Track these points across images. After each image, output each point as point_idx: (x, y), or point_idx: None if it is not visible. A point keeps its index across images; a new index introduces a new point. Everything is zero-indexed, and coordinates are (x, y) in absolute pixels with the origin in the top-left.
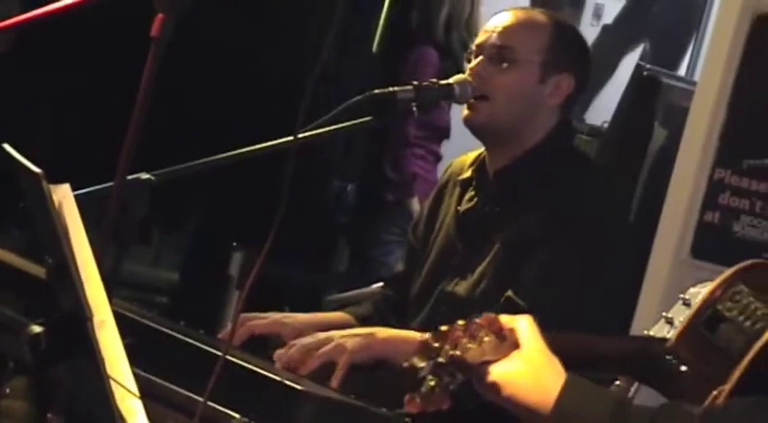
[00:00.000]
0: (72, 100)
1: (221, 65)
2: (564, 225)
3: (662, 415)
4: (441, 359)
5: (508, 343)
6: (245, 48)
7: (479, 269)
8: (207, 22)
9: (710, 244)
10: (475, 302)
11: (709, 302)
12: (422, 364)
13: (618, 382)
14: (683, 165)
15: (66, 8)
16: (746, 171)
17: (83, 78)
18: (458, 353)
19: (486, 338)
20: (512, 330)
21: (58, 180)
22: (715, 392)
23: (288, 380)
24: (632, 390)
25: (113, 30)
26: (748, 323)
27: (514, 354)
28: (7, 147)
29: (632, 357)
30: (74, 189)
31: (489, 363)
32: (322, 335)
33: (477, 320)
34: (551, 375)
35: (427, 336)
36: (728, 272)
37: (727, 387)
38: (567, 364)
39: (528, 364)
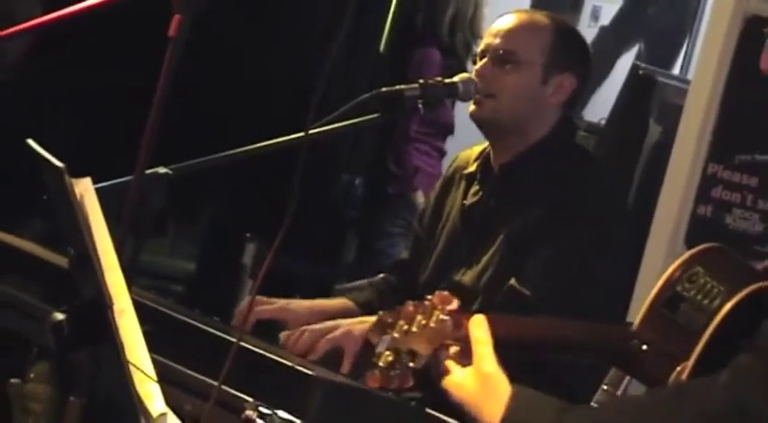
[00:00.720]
0: (92, 98)
1: (234, 63)
2: (567, 219)
3: (593, 416)
4: (395, 334)
5: (459, 332)
6: (255, 47)
7: (484, 259)
8: (219, 20)
9: (704, 236)
10: (480, 291)
11: (669, 284)
12: (377, 340)
13: (605, 387)
14: (678, 160)
15: (86, 9)
16: (738, 166)
17: (102, 78)
18: (415, 329)
19: (441, 317)
20: (466, 327)
21: (79, 174)
22: (679, 368)
23: (299, 365)
24: (622, 386)
25: (131, 29)
26: (706, 301)
27: (468, 370)
28: (31, 142)
29: (599, 341)
30: (94, 183)
31: (442, 354)
32: (330, 323)
33: (430, 298)
34: (497, 399)
35: (381, 312)
36: (685, 256)
37: (690, 363)
38: (536, 348)
39: (479, 385)
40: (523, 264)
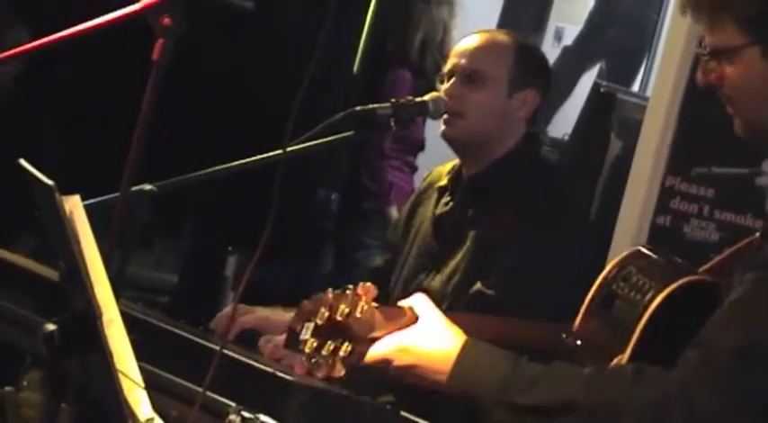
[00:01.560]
0: (79, 118)
1: (214, 82)
2: (531, 225)
3: (547, 369)
4: (318, 321)
5: (404, 320)
6: (235, 67)
7: (452, 264)
8: (197, 42)
9: (663, 245)
10: (448, 295)
11: (605, 284)
12: (299, 327)
13: None
14: (637, 173)
15: (73, 35)
16: (695, 178)
17: (89, 101)
18: (339, 318)
19: (365, 307)
20: (409, 308)
21: (69, 191)
22: (615, 361)
23: (280, 371)
24: None
25: (117, 52)
26: (638, 296)
27: (415, 326)
28: (23, 161)
29: (542, 339)
30: (83, 199)
31: (371, 344)
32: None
33: (352, 287)
34: (453, 339)
35: (304, 301)
36: (619, 258)
37: (626, 355)
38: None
39: (430, 333)
40: (489, 267)
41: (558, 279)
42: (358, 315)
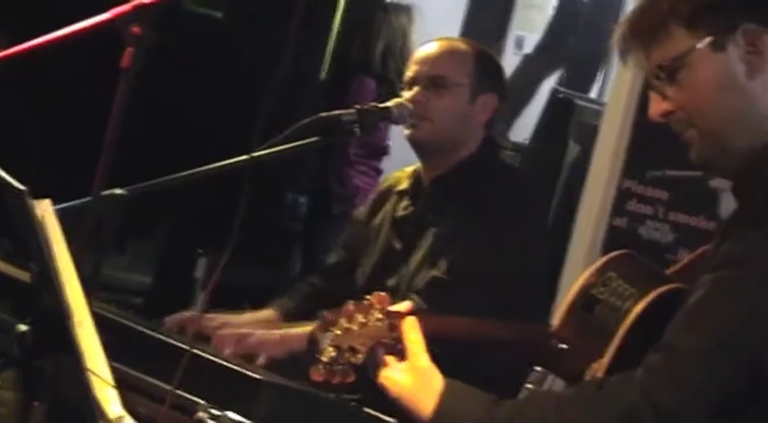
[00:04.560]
0: (53, 125)
1: (185, 89)
2: (486, 218)
3: (521, 408)
4: (337, 331)
5: (394, 334)
6: (204, 76)
7: (415, 262)
8: (166, 49)
9: (619, 245)
10: (411, 292)
11: (585, 288)
12: (321, 336)
13: (528, 387)
14: (595, 176)
15: (45, 44)
16: (650, 181)
17: (61, 108)
18: (355, 327)
19: (378, 316)
20: (400, 326)
21: (40, 196)
22: (595, 365)
23: (248, 370)
24: (545, 386)
25: (88, 60)
26: (619, 303)
27: (403, 366)
28: None
29: (522, 340)
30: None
31: (379, 351)
32: (244, 330)
33: (369, 298)
34: (431, 391)
35: (325, 311)
36: (599, 262)
37: (605, 360)
38: (463, 343)
39: (413, 380)
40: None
41: (508, 271)
42: (370, 324)
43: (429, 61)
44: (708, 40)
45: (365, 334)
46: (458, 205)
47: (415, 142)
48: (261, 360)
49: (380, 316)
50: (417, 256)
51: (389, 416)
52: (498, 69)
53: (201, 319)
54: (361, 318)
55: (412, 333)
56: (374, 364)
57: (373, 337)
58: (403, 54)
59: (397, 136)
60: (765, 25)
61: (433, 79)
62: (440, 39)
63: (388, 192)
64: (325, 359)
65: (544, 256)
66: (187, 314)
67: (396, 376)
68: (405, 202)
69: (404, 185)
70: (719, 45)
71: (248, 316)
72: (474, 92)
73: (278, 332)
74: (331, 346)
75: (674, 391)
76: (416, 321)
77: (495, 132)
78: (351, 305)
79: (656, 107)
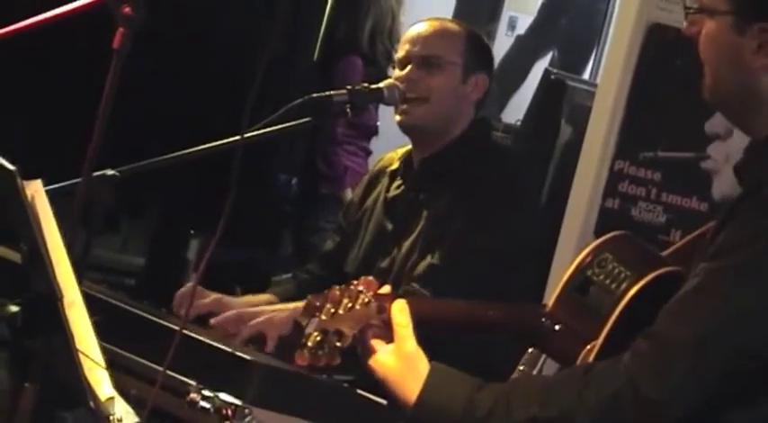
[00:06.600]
0: (43, 105)
1: (174, 68)
2: (478, 201)
3: (505, 392)
4: (323, 317)
5: (382, 316)
6: (196, 56)
7: (408, 243)
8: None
9: (612, 227)
10: (404, 275)
11: (580, 269)
12: (306, 322)
13: (521, 368)
14: (587, 157)
15: (37, 24)
16: (642, 162)
17: (51, 88)
18: (341, 312)
19: (365, 300)
20: (389, 309)
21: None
22: (588, 347)
23: (238, 351)
24: (537, 367)
25: (80, 39)
26: (614, 285)
27: (390, 350)
28: None
29: (515, 321)
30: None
31: (367, 333)
32: (255, 309)
33: (356, 282)
34: (415, 376)
35: (310, 296)
36: (595, 243)
37: (599, 342)
38: (455, 326)
39: (399, 363)
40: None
41: (501, 253)
42: (358, 307)
43: (421, 40)
44: (731, 17)
45: (352, 317)
46: (450, 186)
47: (406, 126)
48: (270, 345)
49: (367, 299)
50: (410, 240)
51: (382, 397)
52: (488, 49)
53: (196, 294)
54: (347, 302)
55: (400, 316)
56: (362, 346)
57: (361, 320)
58: (391, 34)
59: (387, 116)
60: None
61: (426, 58)
62: (430, 19)
63: (381, 173)
64: (310, 344)
65: (536, 237)
66: (182, 290)
67: (382, 358)
68: (396, 183)
69: (396, 166)
70: (740, 29)
71: (245, 299)
72: (466, 71)
73: (288, 307)
74: (316, 330)
75: (657, 380)
76: (406, 304)
77: (488, 113)
78: (337, 290)
79: (688, 28)
